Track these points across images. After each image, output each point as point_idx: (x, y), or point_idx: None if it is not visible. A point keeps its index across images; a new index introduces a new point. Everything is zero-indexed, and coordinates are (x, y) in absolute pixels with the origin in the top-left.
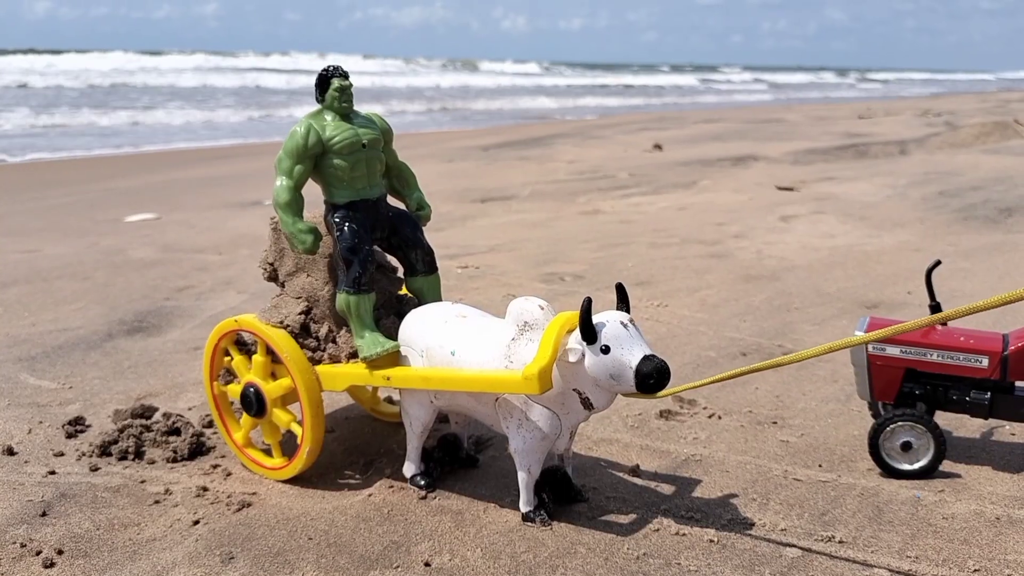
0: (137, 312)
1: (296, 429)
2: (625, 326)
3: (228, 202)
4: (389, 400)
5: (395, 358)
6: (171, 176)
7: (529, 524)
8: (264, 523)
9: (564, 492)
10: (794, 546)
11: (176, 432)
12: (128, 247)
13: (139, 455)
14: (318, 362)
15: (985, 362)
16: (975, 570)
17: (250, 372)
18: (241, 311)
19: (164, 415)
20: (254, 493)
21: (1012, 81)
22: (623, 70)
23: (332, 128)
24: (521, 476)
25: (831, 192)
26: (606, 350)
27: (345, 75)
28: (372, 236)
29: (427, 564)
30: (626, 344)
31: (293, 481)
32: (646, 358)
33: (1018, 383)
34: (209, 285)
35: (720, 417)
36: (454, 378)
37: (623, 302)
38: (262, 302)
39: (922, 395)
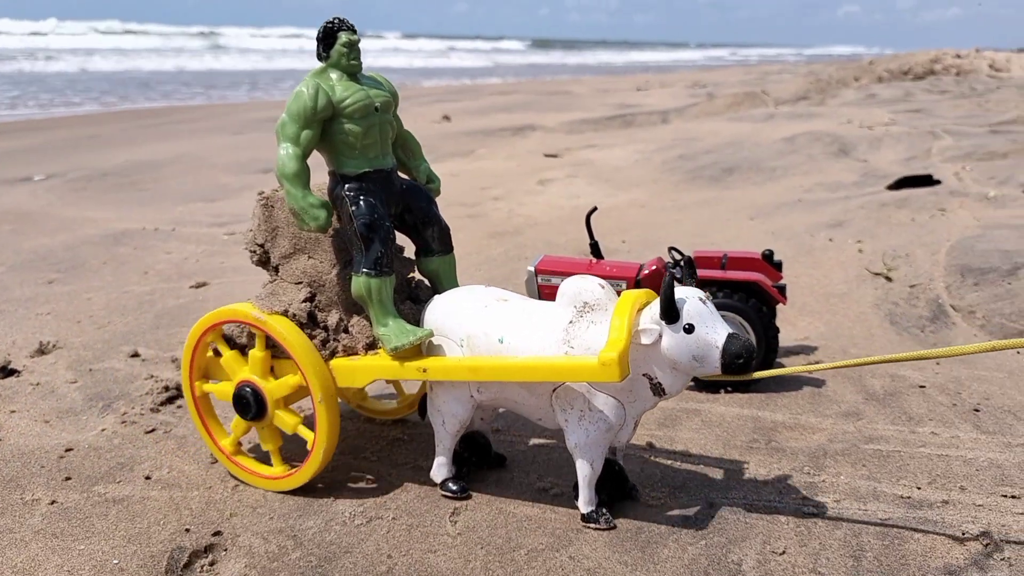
0: None
1: (304, 433)
2: (704, 302)
3: None
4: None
5: (425, 348)
6: None
7: (592, 525)
8: (1, 459)
9: (619, 487)
10: None
11: None
12: None
13: None
14: (332, 354)
15: (624, 286)
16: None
17: (245, 369)
18: None
19: None
20: None
21: (811, 56)
22: (433, 39)
23: (342, 88)
24: (582, 472)
25: (589, 158)
26: (690, 329)
27: (353, 28)
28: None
29: (147, 477)
30: (709, 322)
31: (31, 422)
32: (731, 336)
33: None
34: None
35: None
36: (512, 367)
37: (692, 276)
38: (16, 274)
39: None
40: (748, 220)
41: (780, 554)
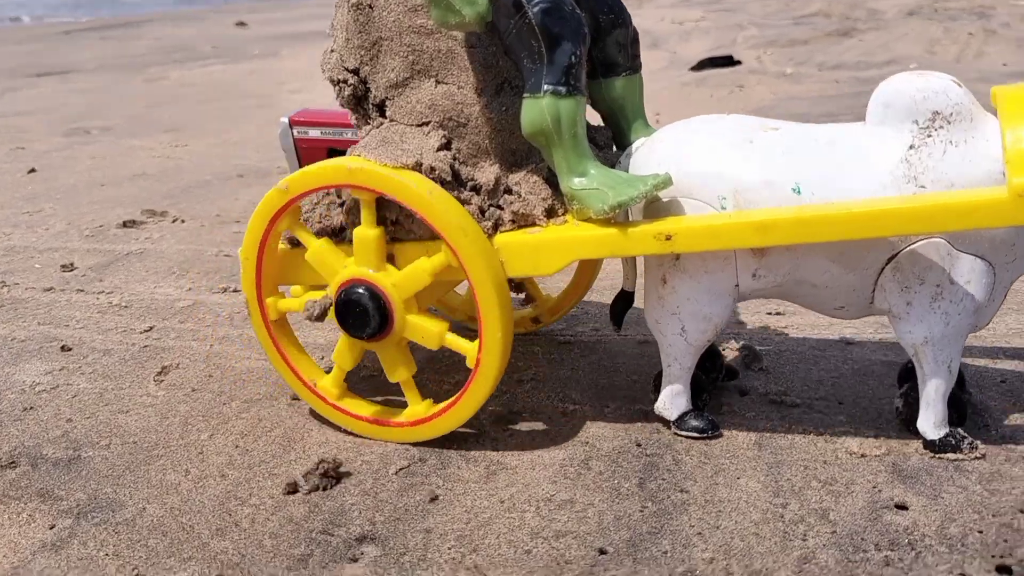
0: None
1: (460, 346)
2: None
3: None
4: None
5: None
6: None
7: (950, 455)
8: None
9: (960, 406)
10: None
11: None
12: None
13: None
14: (495, 228)
15: None
16: None
17: (349, 264)
18: None
19: None
20: None
21: None
22: None
23: None
24: (936, 379)
25: None
26: None
27: None
28: None
29: None
30: None
31: None
32: None
33: None
34: None
35: (183, 221)
36: (844, 218)
37: None
38: None
39: None
40: None
41: (528, 381)
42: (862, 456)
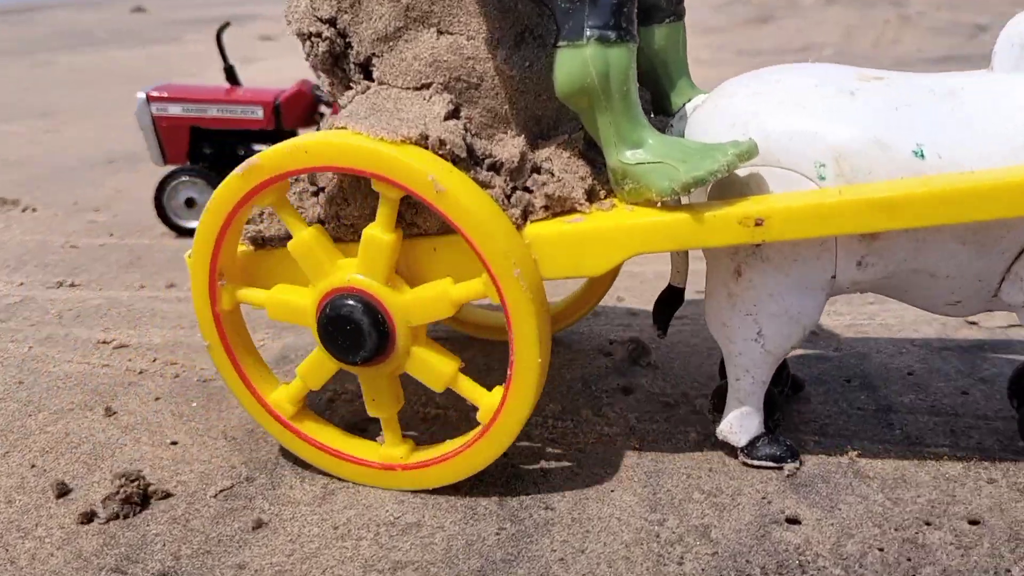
0: None
1: (474, 395)
2: None
3: None
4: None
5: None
6: None
7: None
8: None
9: None
10: None
11: None
12: None
13: None
14: (524, 216)
15: (260, 112)
16: None
17: (343, 267)
18: None
19: None
20: None
21: None
22: None
23: None
24: None
25: None
26: None
27: None
28: None
29: None
30: None
31: None
32: None
33: (299, 130)
34: None
35: (35, 210)
36: (997, 187)
37: None
38: None
39: (213, 154)
40: None
41: None
42: None
